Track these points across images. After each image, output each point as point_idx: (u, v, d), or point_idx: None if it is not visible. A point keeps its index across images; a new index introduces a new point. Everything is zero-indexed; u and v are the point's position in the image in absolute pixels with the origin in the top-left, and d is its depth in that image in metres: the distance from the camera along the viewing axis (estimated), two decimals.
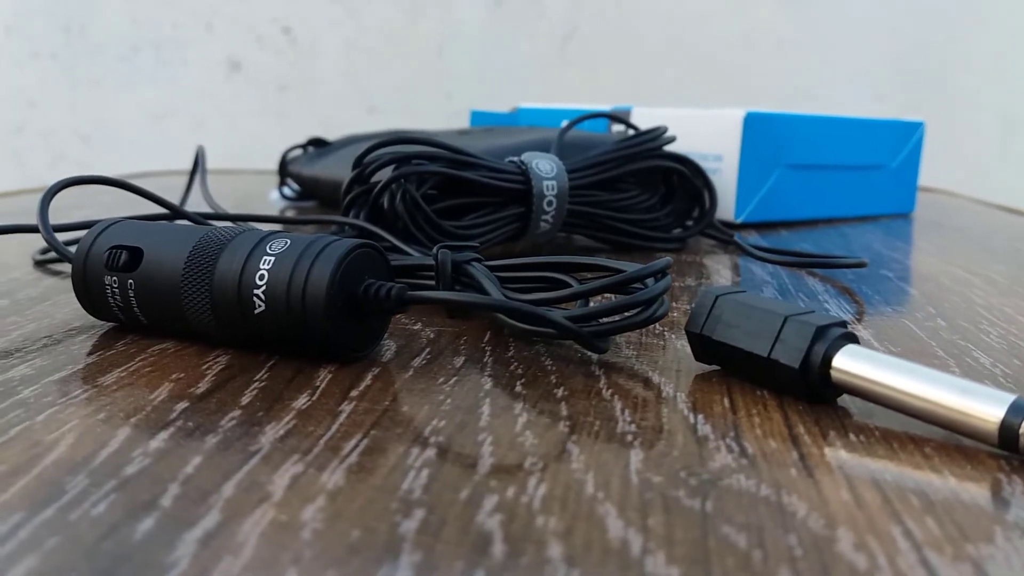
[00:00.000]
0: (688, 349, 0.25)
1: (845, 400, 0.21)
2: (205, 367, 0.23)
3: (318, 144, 0.59)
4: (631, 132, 0.46)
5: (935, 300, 0.32)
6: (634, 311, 0.23)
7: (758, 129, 0.47)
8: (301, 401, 0.21)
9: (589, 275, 0.27)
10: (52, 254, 0.38)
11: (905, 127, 0.54)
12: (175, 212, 0.33)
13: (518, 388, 0.22)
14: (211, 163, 1.12)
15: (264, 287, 0.23)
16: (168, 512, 0.15)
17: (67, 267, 0.36)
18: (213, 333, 0.24)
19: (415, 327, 0.27)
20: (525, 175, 0.38)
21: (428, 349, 0.25)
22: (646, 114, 0.51)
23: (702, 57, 1.16)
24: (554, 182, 0.38)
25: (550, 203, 0.38)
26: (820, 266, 0.35)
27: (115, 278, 0.25)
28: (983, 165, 1.11)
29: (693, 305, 0.23)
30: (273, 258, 0.23)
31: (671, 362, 0.24)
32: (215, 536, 0.14)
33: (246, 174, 0.79)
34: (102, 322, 0.28)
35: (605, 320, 0.23)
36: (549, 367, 0.23)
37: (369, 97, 1.27)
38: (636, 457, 0.18)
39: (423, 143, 0.36)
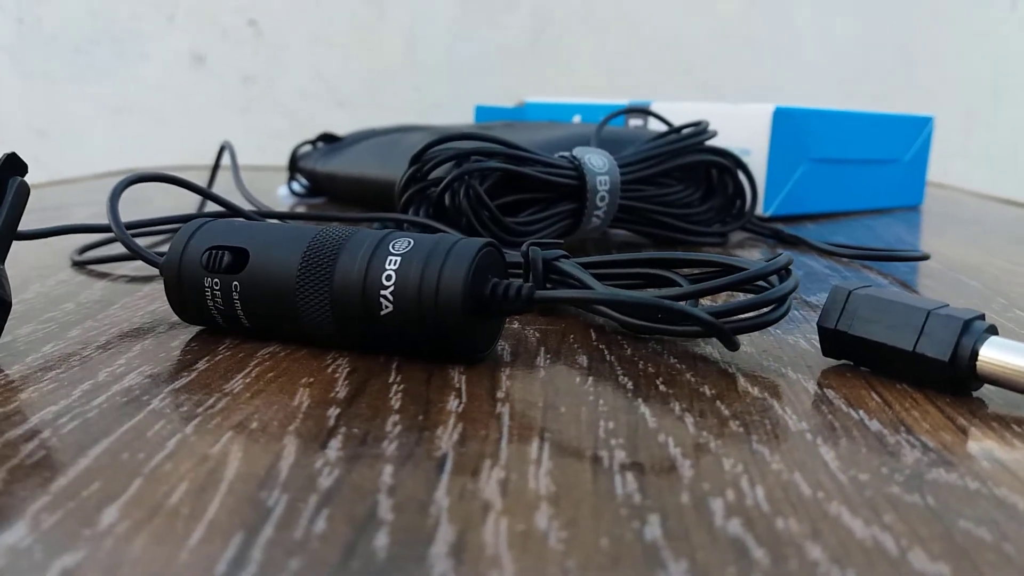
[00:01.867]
0: (801, 343, 0.25)
1: (983, 391, 0.22)
2: (330, 370, 0.22)
3: (329, 139, 0.57)
4: (664, 128, 0.46)
5: (1001, 290, 0.33)
6: (768, 309, 0.23)
7: (786, 124, 0.47)
8: (452, 404, 0.20)
9: (695, 271, 0.26)
10: (90, 254, 0.36)
11: (916, 121, 0.55)
12: (234, 212, 0.32)
13: (661, 387, 0.21)
14: (174, 158, 1.09)
15: (392, 288, 0.22)
16: (395, 525, 0.14)
17: (112, 268, 0.34)
18: (328, 335, 0.23)
19: (514, 326, 0.27)
20: (578, 170, 0.37)
21: (543, 348, 0.25)
22: (668, 109, 0.51)
23: (671, 51, 1.17)
24: (607, 177, 0.38)
25: (602, 198, 0.38)
26: (885, 259, 0.36)
27: (216, 280, 0.24)
28: (946, 158, 1.14)
29: (824, 301, 0.23)
30: (399, 258, 0.22)
31: (795, 357, 0.24)
32: (463, 550, 0.14)
33: (244, 170, 0.77)
34: (187, 325, 0.26)
35: (740, 317, 0.23)
36: (677, 365, 0.23)
37: (337, 90, 1.25)
38: (828, 455, 0.18)
39: (480, 139, 0.36)
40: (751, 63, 1.15)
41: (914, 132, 0.55)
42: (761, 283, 0.24)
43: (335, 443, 0.18)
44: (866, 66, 1.12)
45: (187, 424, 0.19)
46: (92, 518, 0.14)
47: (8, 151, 0.26)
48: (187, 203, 0.52)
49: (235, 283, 0.24)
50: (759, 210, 0.48)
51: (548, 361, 0.23)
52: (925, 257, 0.34)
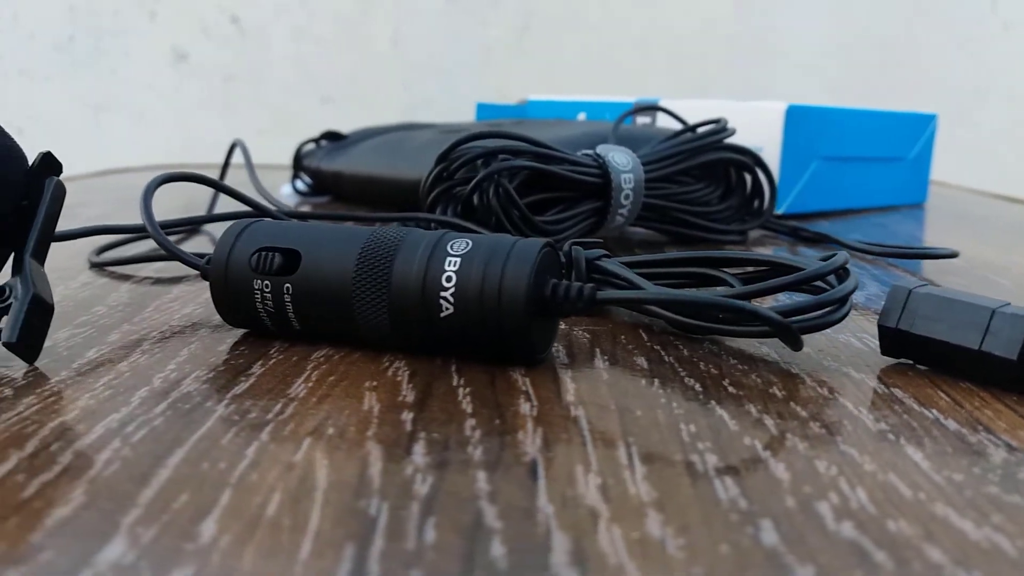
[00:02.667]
0: (854, 343, 0.25)
1: None
2: (390, 373, 0.22)
3: (333, 137, 0.57)
4: (673, 125, 0.46)
5: None
6: (829, 309, 0.23)
7: (799, 121, 0.47)
8: (525, 407, 0.20)
9: (744, 270, 0.26)
10: (107, 255, 0.35)
11: (920, 119, 0.56)
12: (262, 213, 0.32)
13: (730, 389, 0.21)
14: (155, 157, 1.07)
15: (453, 289, 0.22)
16: (507, 534, 0.14)
17: (133, 269, 0.34)
18: (383, 337, 0.23)
19: (562, 327, 0.27)
20: (603, 168, 0.37)
21: (597, 350, 0.24)
22: (677, 107, 0.51)
23: (657, 48, 1.17)
24: (631, 175, 0.38)
25: (627, 196, 0.38)
26: (913, 257, 0.36)
27: (267, 282, 0.23)
28: None
29: (884, 300, 0.23)
30: (459, 259, 0.22)
31: (852, 357, 0.24)
32: (585, 559, 0.13)
33: (235, 169, 0.76)
34: (229, 327, 0.26)
35: (804, 317, 0.23)
36: (739, 366, 0.23)
37: (321, 87, 1.24)
38: (916, 455, 0.17)
39: (507, 137, 0.35)
40: (736, 62, 1.15)
41: (918, 130, 0.56)
42: (818, 283, 0.24)
43: (419, 448, 0.17)
44: (849, 65, 1.13)
45: (260, 431, 0.18)
46: (190, 531, 0.14)
47: (43, 150, 0.25)
48: (185, 203, 0.51)
49: (287, 285, 0.23)
50: None
51: (607, 363, 0.23)
52: (954, 255, 0.34)
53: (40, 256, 0.24)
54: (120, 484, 0.16)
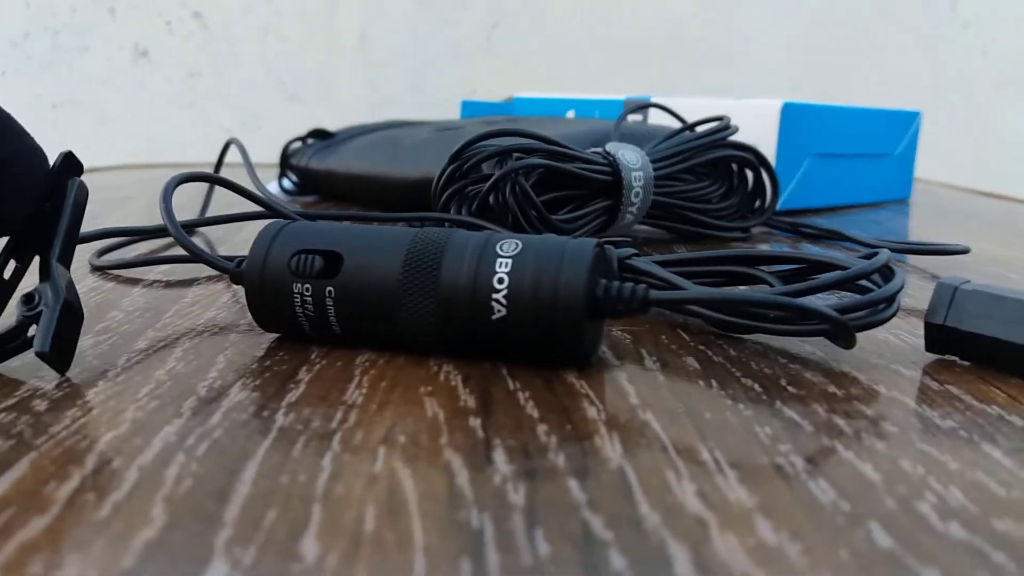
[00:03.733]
0: (892, 340, 0.25)
1: None
2: (442, 378, 0.21)
3: (320, 135, 0.55)
4: (679, 124, 0.46)
5: None
6: (879, 306, 0.23)
7: (793, 119, 0.48)
8: (591, 411, 0.19)
9: (786, 268, 0.26)
10: (108, 258, 0.34)
11: (905, 116, 0.57)
12: (276, 213, 0.31)
13: (790, 389, 0.21)
14: (118, 156, 1.05)
15: (505, 291, 0.21)
16: (621, 544, 0.14)
17: (138, 272, 0.32)
18: (430, 340, 0.22)
19: None
20: (613, 166, 0.37)
21: (643, 350, 0.24)
22: (670, 104, 0.51)
23: (624, 48, 1.17)
24: (641, 173, 0.38)
25: (636, 194, 0.38)
26: (925, 253, 0.36)
27: (308, 286, 0.23)
28: None
29: (931, 297, 0.23)
30: (510, 260, 0.22)
31: (896, 354, 0.24)
32: (710, 569, 0.13)
33: (202, 167, 0.74)
34: (259, 332, 0.25)
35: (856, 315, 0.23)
36: (790, 365, 0.23)
37: (288, 85, 1.22)
38: (994, 452, 0.17)
39: (520, 135, 0.35)
40: (702, 61, 1.16)
41: (904, 127, 0.56)
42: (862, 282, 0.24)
43: (499, 456, 0.17)
44: (812, 64, 1.15)
45: (329, 441, 0.17)
46: (292, 551, 0.13)
47: (65, 150, 0.24)
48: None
49: (329, 288, 0.23)
50: None
51: (658, 364, 0.23)
52: (965, 250, 0.35)
53: (66, 260, 0.23)
54: (199, 502, 0.15)
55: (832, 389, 0.21)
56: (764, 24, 1.14)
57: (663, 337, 0.25)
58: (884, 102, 1.09)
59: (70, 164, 0.24)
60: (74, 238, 0.23)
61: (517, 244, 0.22)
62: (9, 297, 0.23)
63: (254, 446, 0.17)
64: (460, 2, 1.19)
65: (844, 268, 0.24)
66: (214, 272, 0.33)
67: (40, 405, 0.19)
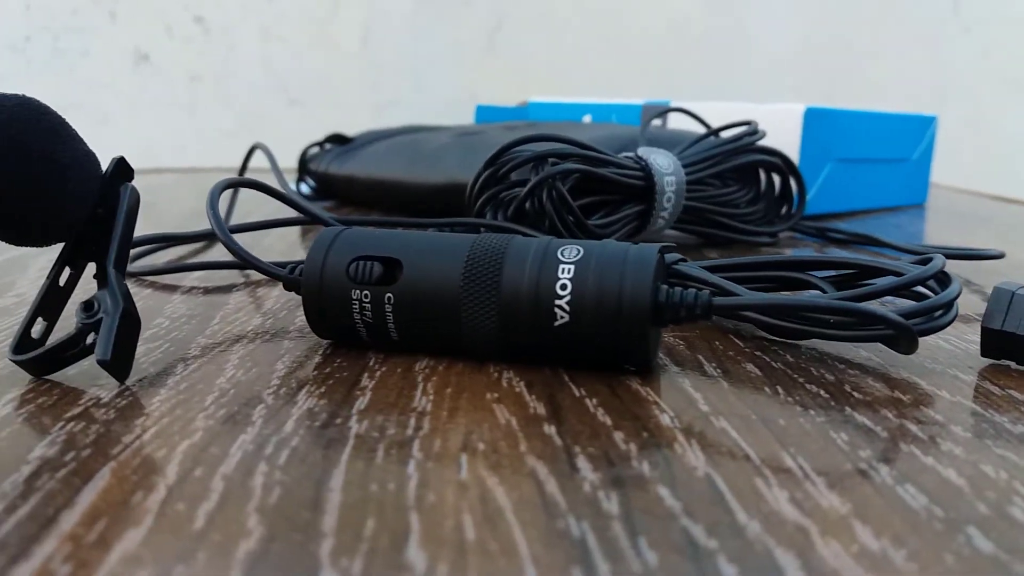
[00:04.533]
0: (943, 344, 0.25)
1: None
2: (505, 384, 0.21)
3: (338, 140, 0.55)
4: (704, 129, 0.46)
5: None
6: (938, 312, 0.23)
7: (816, 124, 0.48)
8: (664, 418, 0.19)
9: (832, 274, 0.26)
10: (139, 264, 0.34)
11: (922, 121, 0.57)
12: (315, 219, 0.31)
13: (856, 395, 0.21)
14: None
15: (568, 297, 0.21)
16: (728, 553, 0.14)
17: (173, 279, 0.32)
18: (490, 346, 0.22)
19: None
20: (645, 171, 0.37)
21: (700, 356, 0.24)
22: (693, 108, 0.51)
23: (627, 49, 1.17)
24: (673, 177, 0.38)
25: (669, 199, 0.38)
26: (961, 258, 0.36)
27: (367, 292, 0.23)
28: None
29: (987, 303, 0.23)
30: (572, 266, 0.21)
31: (950, 359, 0.24)
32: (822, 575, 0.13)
33: (218, 171, 0.74)
34: (312, 338, 0.25)
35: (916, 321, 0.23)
36: (849, 371, 0.23)
37: (289, 89, 1.22)
38: None
39: (556, 140, 0.35)
40: (705, 62, 1.16)
41: (920, 131, 0.57)
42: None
43: (583, 464, 0.17)
44: (814, 65, 1.15)
45: (409, 448, 0.17)
46: (399, 560, 0.13)
47: (117, 155, 0.24)
48: (176, 205, 0.49)
49: (388, 295, 0.22)
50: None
51: (718, 370, 0.23)
52: (1000, 255, 0.35)
53: (121, 266, 0.23)
54: (293, 512, 0.15)
55: (897, 394, 0.21)
56: (768, 26, 1.15)
57: (716, 343, 0.25)
58: (886, 105, 1.09)
59: (122, 169, 0.23)
60: (128, 244, 0.23)
61: (579, 250, 0.22)
62: (64, 304, 0.23)
63: (335, 454, 0.17)
64: (462, 3, 1.19)
65: (899, 274, 0.24)
66: (253, 277, 0.33)
67: (106, 414, 0.19)
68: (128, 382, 0.21)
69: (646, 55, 1.17)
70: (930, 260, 0.24)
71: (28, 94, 0.22)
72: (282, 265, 0.25)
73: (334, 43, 1.20)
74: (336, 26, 1.20)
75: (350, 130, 0.70)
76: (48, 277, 0.22)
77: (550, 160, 0.34)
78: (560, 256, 0.22)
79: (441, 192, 0.46)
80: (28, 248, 0.38)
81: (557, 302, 0.21)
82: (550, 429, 0.18)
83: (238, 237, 0.42)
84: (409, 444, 0.18)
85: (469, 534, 0.14)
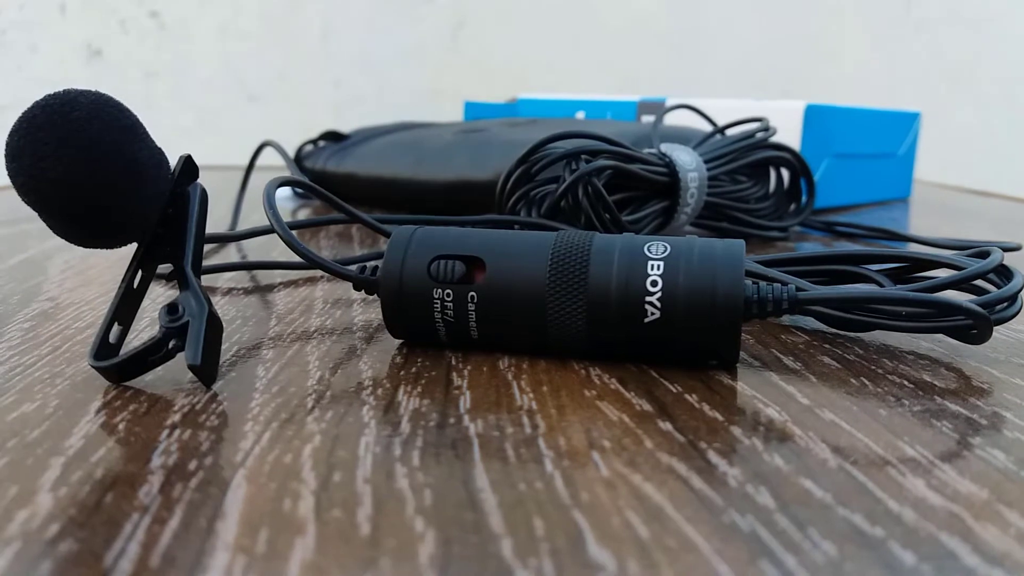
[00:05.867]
0: (997, 335, 0.26)
1: None
2: (598, 381, 0.21)
3: (333, 138, 0.54)
4: (712, 125, 0.47)
5: None
6: (1000, 305, 0.23)
7: (815, 120, 0.49)
8: (771, 412, 0.19)
9: (887, 267, 0.27)
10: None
11: (907, 117, 0.59)
12: (355, 219, 0.30)
13: (939, 384, 0.22)
14: None
15: (659, 294, 0.21)
16: (905, 542, 0.14)
17: (206, 281, 0.31)
18: (575, 344, 0.22)
19: None
20: (670, 167, 0.37)
21: (774, 351, 0.24)
22: (698, 105, 0.52)
23: (589, 46, 1.18)
24: (695, 174, 0.38)
25: (692, 195, 0.38)
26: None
27: (449, 291, 0.22)
28: None
29: None
30: (661, 263, 0.22)
31: (1013, 350, 0.25)
32: (991, 558, 0.13)
33: (217, 169, 0.72)
34: (384, 338, 0.25)
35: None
36: (920, 361, 0.23)
37: (248, 85, 1.20)
38: None
39: (586, 137, 0.35)
40: (668, 59, 1.18)
41: (906, 127, 0.58)
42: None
43: (716, 459, 0.17)
44: (773, 62, 1.17)
45: (537, 447, 0.17)
46: (584, 559, 0.13)
47: (184, 153, 0.23)
48: None
49: (471, 294, 0.22)
50: None
51: (799, 363, 0.23)
52: (1017, 248, 0.36)
53: (196, 268, 0.22)
54: (455, 513, 0.15)
55: (976, 383, 0.22)
56: (727, 23, 1.16)
57: (782, 336, 0.26)
58: (841, 100, 1.12)
59: (190, 169, 0.23)
60: (202, 245, 0.22)
61: (665, 246, 0.22)
62: (138, 307, 0.22)
63: (466, 454, 0.17)
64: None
65: (952, 266, 0.25)
66: (290, 276, 0.32)
67: (209, 420, 0.19)
68: (214, 386, 0.21)
69: (607, 53, 1.18)
70: (987, 254, 0.25)
71: None
72: (343, 262, 0.25)
73: (294, 38, 1.19)
74: (296, 21, 1.18)
75: (313, 127, 0.69)
76: (123, 281, 0.22)
77: (582, 157, 0.34)
78: (647, 252, 0.22)
79: (451, 189, 0.45)
80: (37, 250, 0.37)
81: (648, 299, 0.21)
82: (666, 425, 0.19)
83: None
84: (534, 443, 0.17)
85: (641, 531, 0.14)
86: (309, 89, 1.21)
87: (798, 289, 0.22)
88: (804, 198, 0.43)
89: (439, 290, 0.22)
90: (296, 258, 0.26)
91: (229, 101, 1.22)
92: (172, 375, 0.21)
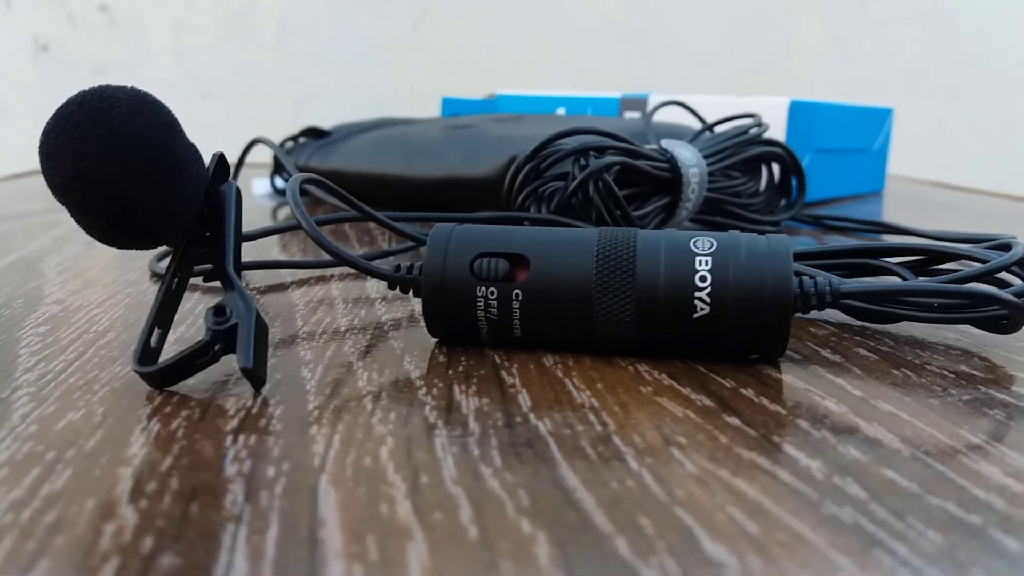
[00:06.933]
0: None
1: None
2: (648, 376, 0.21)
3: (314, 134, 0.54)
4: (699, 120, 0.47)
5: None
6: None
7: (799, 116, 0.50)
8: (829, 405, 0.20)
9: (905, 259, 0.27)
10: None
11: (881, 113, 0.60)
12: (369, 217, 0.30)
13: (978, 374, 0.22)
14: (17, 161, 0.98)
15: (709, 289, 0.21)
16: (999, 526, 0.14)
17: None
18: (622, 340, 0.22)
19: None
20: (672, 163, 0.38)
21: (811, 344, 0.25)
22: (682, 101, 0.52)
23: (553, 43, 1.18)
24: (696, 169, 0.38)
25: (693, 191, 0.38)
26: (976, 243, 0.38)
27: (492, 289, 0.22)
28: None
29: None
30: (709, 258, 0.22)
31: None
32: None
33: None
34: (423, 337, 0.24)
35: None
36: (951, 352, 0.24)
37: (202, 81, 1.17)
38: None
39: (593, 133, 0.35)
40: (629, 55, 1.18)
41: (880, 122, 0.60)
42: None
43: (794, 452, 0.17)
44: (732, 59, 1.19)
45: (614, 445, 0.17)
46: (703, 556, 0.13)
47: (217, 151, 0.22)
48: None
49: (516, 291, 0.22)
50: None
51: (839, 356, 0.23)
52: (1013, 239, 0.37)
53: (237, 268, 0.21)
54: (557, 513, 0.14)
55: (1011, 372, 0.22)
56: (688, 22, 1.18)
57: (811, 329, 0.26)
58: (801, 94, 1.14)
59: (222, 168, 0.22)
60: (240, 245, 0.22)
61: (712, 242, 0.22)
62: (176, 310, 0.21)
63: (545, 453, 0.17)
64: None
65: (971, 259, 0.25)
66: (299, 275, 0.31)
67: (272, 425, 0.18)
68: (262, 389, 0.20)
69: (569, 49, 1.18)
70: (1008, 246, 0.25)
71: None
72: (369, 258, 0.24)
73: (250, 34, 1.16)
74: (252, 16, 1.16)
75: (271, 124, 0.67)
76: (163, 283, 0.21)
77: (591, 153, 0.34)
78: (694, 247, 0.22)
79: (442, 186, 0.45)
80: (25, 250, 0.36)
81: (697, 294, 0.21)
82: (732, 420, 0.19)
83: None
84: (609, 441, 0.17)
85: (749, 527, 0.14)
86: (266, 85, 1.19)
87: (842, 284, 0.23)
88: (795, 193, 0.44)
89: (483, 288, 0.22)
90: (313, 257, 0.26)
91: (182, 98, 1.18)
92: (209, 377, 0.21)
